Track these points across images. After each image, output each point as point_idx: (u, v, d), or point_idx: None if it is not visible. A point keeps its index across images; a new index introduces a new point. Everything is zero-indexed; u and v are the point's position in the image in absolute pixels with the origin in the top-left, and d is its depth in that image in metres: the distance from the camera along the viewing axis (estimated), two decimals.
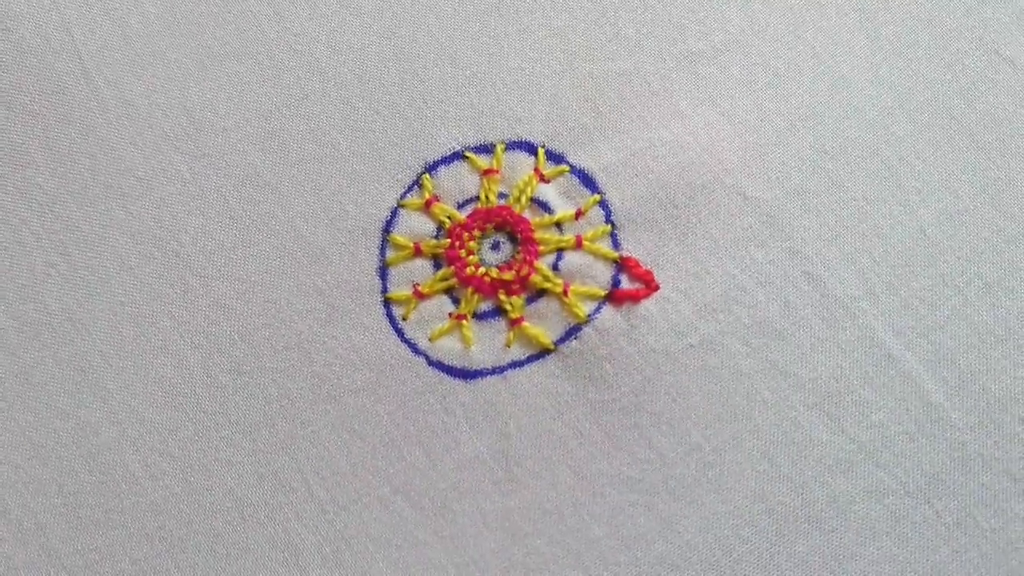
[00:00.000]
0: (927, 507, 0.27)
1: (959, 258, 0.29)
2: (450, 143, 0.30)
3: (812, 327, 0.29)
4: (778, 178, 0.30)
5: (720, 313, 0.29)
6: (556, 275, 0.29)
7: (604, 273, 0.29)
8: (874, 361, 0.28)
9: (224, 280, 0.30)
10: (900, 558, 0.27)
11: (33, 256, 0.30)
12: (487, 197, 0.30)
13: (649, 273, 0.29)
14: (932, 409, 0.28)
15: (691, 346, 0.29)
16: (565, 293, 0.29)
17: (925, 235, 0.29)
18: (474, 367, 0.29)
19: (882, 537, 0.27)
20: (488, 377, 0.29)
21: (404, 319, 0.29)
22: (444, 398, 0.29)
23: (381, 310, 0.29)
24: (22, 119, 0.31)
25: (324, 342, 0.29)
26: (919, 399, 0.28)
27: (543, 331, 0.29)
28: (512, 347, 0.29)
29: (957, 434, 0.28)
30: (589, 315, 0.29)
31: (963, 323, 0.28)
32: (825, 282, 0.29)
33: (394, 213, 0.30)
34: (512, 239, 0.29)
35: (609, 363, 0.28)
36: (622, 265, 0.29)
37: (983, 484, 0.27)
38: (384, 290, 0.29)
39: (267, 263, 0.30)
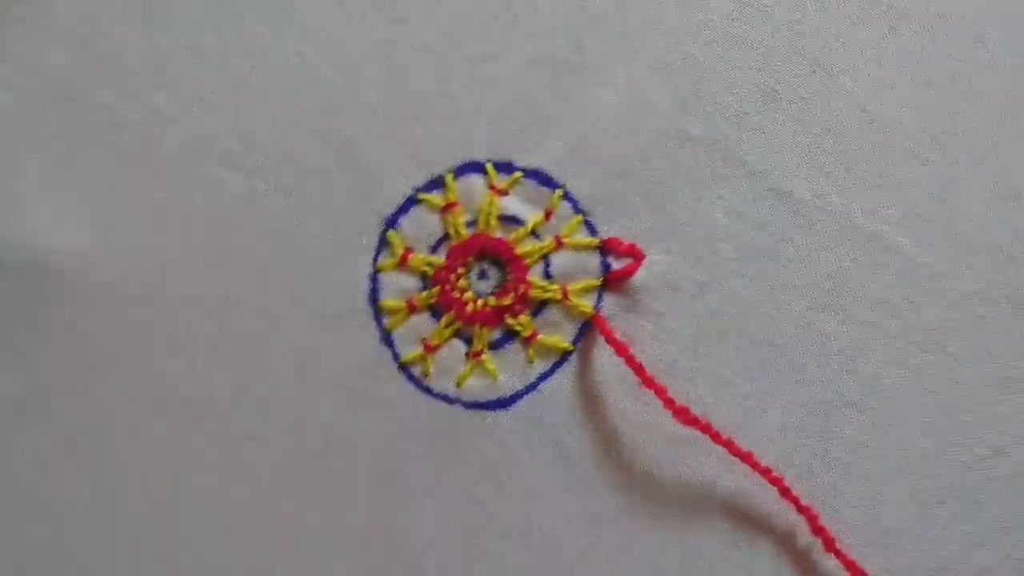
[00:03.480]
0: (943, 355, 0.30)
1: (904, 127, 0.30)
2: (401, 190, 0.29)
3: (793, 236, 0.30)
4: (715, 110, 0.30)
5: (707, 256, 0.30)
6: (550, 282, 0.29)
7: (593, 262, 0.30)
8: (856, 243, 0.30)
9: (247, 409, 0.29)
10: (931, 409, 0.30)
11: None
12: (456, 231, 0.29)
13: (633, 246, 0.30)
14: (920, 267, 0.30)
15: (693, 296, 0.30)
16: (565, 296, 0.29)
17: (867, 113, 0.30)
18: (508, 394, 0.29)
19: (912, 397, 0.30)
20: (524, 397, 0.30)
21: (426, 376, 0.29)
22: (492, 432, 0.29)
23: (401, 376, 0.29)
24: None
25: (362, 428, 0.29)
26: (906, 263, 0.30)
27: (559, 337, 0.29)
28: (535, 362, 0.30)
29: (947, 282, 0.30)
30: (595, 307, 0.29)
31: (924, 180, 0.30)
32: (791, 190, 0.30)
33: (374, 280, 0.29)
34: (496, 263, 0.30)
35: (628, 341, 0.29)
36: (606, 248, 0.30)
37: (981, 316, 0.30)
38: (396, 357, 0.29)
39: (279, 375, 0.29)
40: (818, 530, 0.29)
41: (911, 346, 0.30)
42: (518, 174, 0.30)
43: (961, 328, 0.30)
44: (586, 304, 0.29)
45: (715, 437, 0.28)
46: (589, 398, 0.30)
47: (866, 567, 0.29)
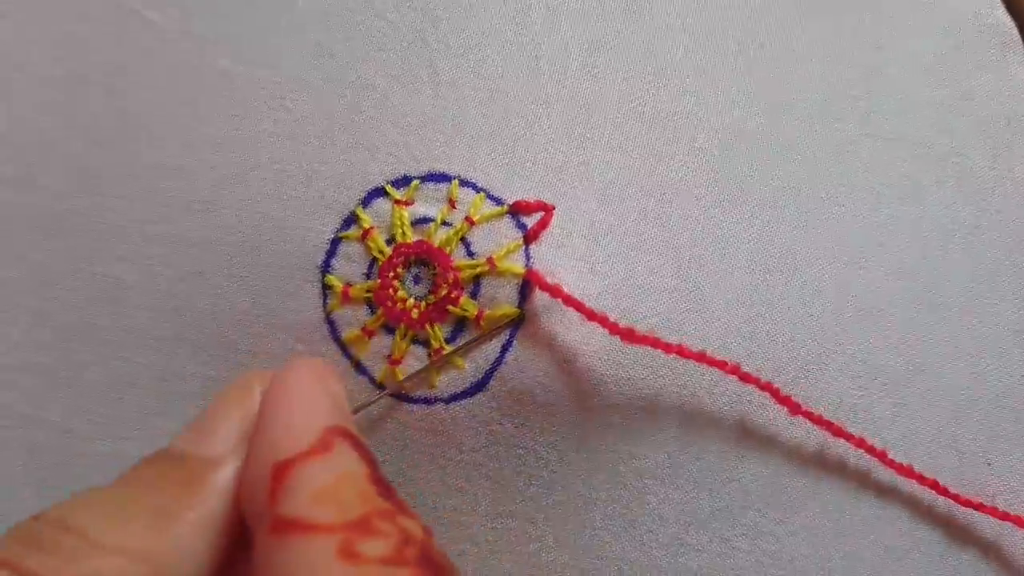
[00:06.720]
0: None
1: None
2: (324, 237, 0.32)
3: (688, 134, 0.31)
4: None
5: (607, 187, 0.31)
6: (475, 259, 0.31)
7: (508, 227, 0.31)
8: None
9: None
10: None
11: None
12: (380, 251, 0.31)
13: (540, 202, 0.31)
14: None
15: (610, 227, 0.31)
16: (493, 266, 0.31)
17: None
18: (480, 376, 0.31)
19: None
20: (494, 374, 0.31)
21: (402, 387, 0.31)
22: (476, 416, 0.31)
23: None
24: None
25: None
26: None
27: (504, 307, 0.31)
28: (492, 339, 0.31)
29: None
30: (525, 265, 0.31)
31: None
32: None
33: (330, 321, 0.32)
34: (423, 263, 0.31)
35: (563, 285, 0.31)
36: (515, 210, 0.31)
37: None
38: (372, 380, 0.31)
39: None
40: (783, 400, 0.29)
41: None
42: (415, 182, 0.32)
43: None
44: (516, 266, 0.31)
45: (666, 348, 0.29)
46: (552, 349, 0.31)
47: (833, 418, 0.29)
